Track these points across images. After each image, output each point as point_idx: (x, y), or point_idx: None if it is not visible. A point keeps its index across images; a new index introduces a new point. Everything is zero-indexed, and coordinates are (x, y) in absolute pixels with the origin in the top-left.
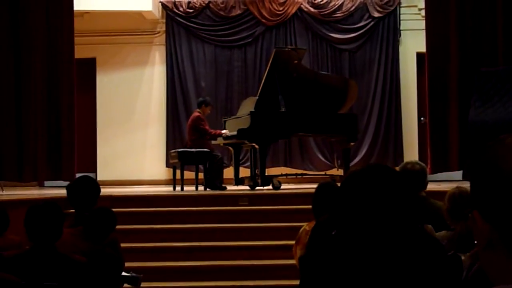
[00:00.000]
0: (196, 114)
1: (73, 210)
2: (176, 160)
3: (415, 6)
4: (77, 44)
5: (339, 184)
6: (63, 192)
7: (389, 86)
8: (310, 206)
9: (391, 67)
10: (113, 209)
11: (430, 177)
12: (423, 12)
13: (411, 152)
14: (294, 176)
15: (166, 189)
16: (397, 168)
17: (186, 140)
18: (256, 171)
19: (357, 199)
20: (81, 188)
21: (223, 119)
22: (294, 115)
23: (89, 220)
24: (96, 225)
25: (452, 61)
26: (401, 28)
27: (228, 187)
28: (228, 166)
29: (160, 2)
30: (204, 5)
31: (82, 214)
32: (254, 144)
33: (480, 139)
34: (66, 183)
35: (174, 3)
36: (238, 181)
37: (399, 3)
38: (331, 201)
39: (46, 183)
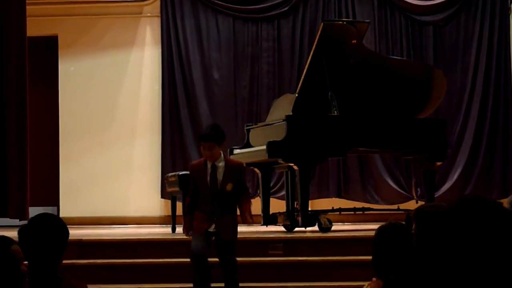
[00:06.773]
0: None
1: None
2: (176, 188)
3: None
4: (31, 16)
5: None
6: (12, 235)
7: (494, 76)
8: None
9: (497, 48)
10: (84, 261)
11: None
12: None
13: None
14: (352, 212)
15: (162, 231)
16: (505, 202)
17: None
18: (295, 205)
19: (446, 249)
20: (39, 233)
21: (246, 127)
22: (352, 122)
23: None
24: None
25: None
26: None
27: (254, 228)
28: (253, 197)
29: None
30: None
31: (40, 273)
32: (291, 164)
33: None
34: (14, 221)
35: None
36: (268, 219)
37: None
38: (401, 251)
39: None
